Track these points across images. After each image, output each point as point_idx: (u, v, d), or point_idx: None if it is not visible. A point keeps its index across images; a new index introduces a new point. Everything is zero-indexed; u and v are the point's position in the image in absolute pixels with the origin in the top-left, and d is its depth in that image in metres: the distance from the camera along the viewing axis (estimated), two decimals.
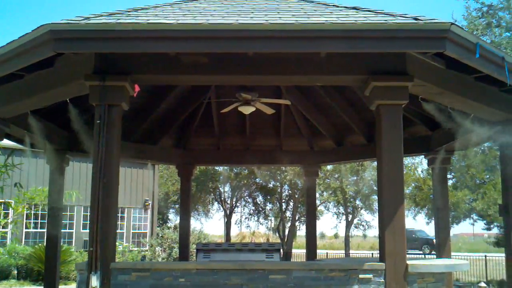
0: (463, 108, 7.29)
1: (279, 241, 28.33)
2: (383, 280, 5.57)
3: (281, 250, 28.23)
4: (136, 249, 24.35)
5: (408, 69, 5.77)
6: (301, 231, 29.32)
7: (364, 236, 34.66)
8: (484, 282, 16.85)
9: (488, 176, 18.23)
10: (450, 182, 20.30)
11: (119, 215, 25.03)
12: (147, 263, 6.86)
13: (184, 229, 12.14)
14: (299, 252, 29.14)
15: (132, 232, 25.61)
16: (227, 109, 9.54)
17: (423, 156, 11.10)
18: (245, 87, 9.49)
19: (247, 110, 9.26)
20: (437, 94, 6.46)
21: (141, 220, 26.03)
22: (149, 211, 26.11)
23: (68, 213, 22.65)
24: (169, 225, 28.67)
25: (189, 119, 11.66)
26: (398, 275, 5.49)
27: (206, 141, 12.32)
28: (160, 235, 24.75)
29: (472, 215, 19.52)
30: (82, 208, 22.82)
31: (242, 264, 5.69)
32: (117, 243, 19.77)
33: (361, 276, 5.59)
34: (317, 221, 29.82)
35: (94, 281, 5.33)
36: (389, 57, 5.76)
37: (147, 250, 24.21)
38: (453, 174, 19.85)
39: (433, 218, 10.54)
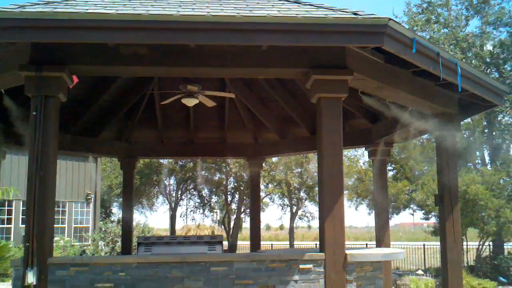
0: (401, 101, 7.50)
1: (224, 233, 28.37)
2: (322, 270, 5.67)
3: (224, 242, 28.22)
4: (78, 243, 23.83)
5: (348, 63, 5.87)
6: (247, 223, 29.43)
7: (309, 227, 35.11)
8: (422, 270, 17.46)
9: (426, 168, 18.83)
10: (390, 174, 20.86)
11: (60, 209, 24.42)
12: (86, 257, 6.74)
13: (126, 222, 11.98)
14: (244, 244, 29.28)
15: (74, 227, 25.01)
16: (168, 100, 9.45)
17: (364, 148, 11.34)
18: (189, 79, 9.43)
19: (190, 102, 9.20)
20: (376, 88, 6.62)
21: (83, 214, 25.46)
22: (91, 205, 25.57)
23: (6, 207, 21.92)
24: (112, 218, 28.18)
25: (132, 111, 11.49)
26: (337, 265, 5.61)
27: (149, 133, 12.17)
28: (103, 229, 24.31)
29: (411, 205, 20.13)
30: (21, 202, 22.09)
31: (183, 257, 5.66)
32: (58, 238, 19.33)
33: (301, 266, 5.67)
34: (262, 213, 30.02)
35: (30, 277, 5.18)
36: (330, 51, 5.84)
37: (89, 245, 23.73)
38: (393, 165, 20.41)
39: (373, 208, 10.82)
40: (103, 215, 28.14)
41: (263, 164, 24.71)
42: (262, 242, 32.94)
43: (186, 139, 12.28)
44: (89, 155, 13.56)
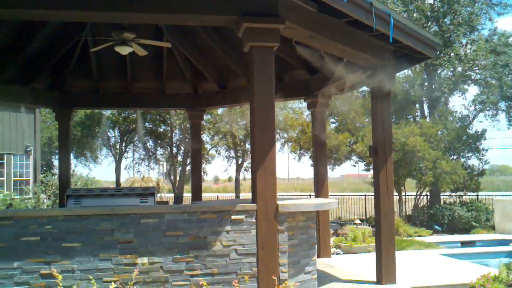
0: (335, 52, 7.44)
1: (170, 185, 28.27)
2: (254, 221, 5.68)
3: (170, 195, 28.07)
4: (18, 197, 23.24)
5: (280, 11, 5.73)
6: None
7: None
8: (360, 219, 17.96)
9: (368, 120, 19.11)
10: (332, 126, 21.09)
11: None
12: (9, 211, 6.53)
13: (63, 175, 11.72)
14: (190, 196, 29.27)
15: (14, 180, 24.33)
16: (99, 47, 9.09)
17: None
18: (123, 25, 9.08)
19: (124, 50, 8.86)
20: (309, 37, 6.52)
21: (23, 166, 24.73)
22: (31, 157, 24.82)
23: None
24: (54, 171, 27.49)
25: (65, 59, 11.00)
26: (268, 215, 5.63)
27: (84, 83, 11.76)
28: (45, 182, 23.75)
29: (353, 157, 20.48)
30: None
31: (112, 208, 5.53)
32: None
33: (233, 217, 5.66)
34: (209, 165, 29.90)
35: None
36: None
37: (30, 198, 23.17)
38: (335, 118, 20.62)
39: (312, 160, 10.93)
40: (45, 168, 27.41)
41: (207, 116, 24.52)
42: (210, 194, 33.01)
43: (123, 89, 11.94)
44: (20, 105, 13.02)
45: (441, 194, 19.89)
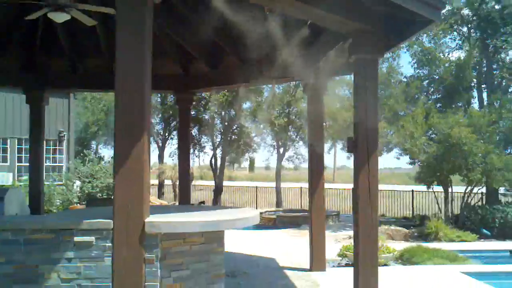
0: (297, 13, 5.57)
1: (211, 174, 26.97)
2: (110, 244, 3.98)
3: (210, 183, 26.69)
4: (48, 183, 22.63)
5: None
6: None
7: None
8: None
9: (409, 108, 16.80)
10: None
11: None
12: None
13: (35, 165, 10.51)
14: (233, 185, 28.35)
15: (46, 166, 23.78)
16: (34, 15, 7.63)
17: None
18: None
19: (59, 17, 7.34)
20: None
21: (56, 152, 24.17)
22: (64, 143, 24.20)
23: None
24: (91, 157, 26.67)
25: (32, 34, 9.72)
26: (131, 238, 3.86)
27: (58, 62, 10.44)
28: (78, 169, 22.98)
29: (395, 149, 18.16)
30: None
31: None
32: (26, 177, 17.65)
33: (77, 239, 3.99)
34: (255, 153, 28.41)
35: None
36: None
37: (62, 184, 22.48)
38: None
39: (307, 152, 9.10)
40: (81, 154, 26.70)
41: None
42: (251, 183, 31.56)
43: (102, 68, 10.49)
44: None
45: (502, 190, 17.35)
